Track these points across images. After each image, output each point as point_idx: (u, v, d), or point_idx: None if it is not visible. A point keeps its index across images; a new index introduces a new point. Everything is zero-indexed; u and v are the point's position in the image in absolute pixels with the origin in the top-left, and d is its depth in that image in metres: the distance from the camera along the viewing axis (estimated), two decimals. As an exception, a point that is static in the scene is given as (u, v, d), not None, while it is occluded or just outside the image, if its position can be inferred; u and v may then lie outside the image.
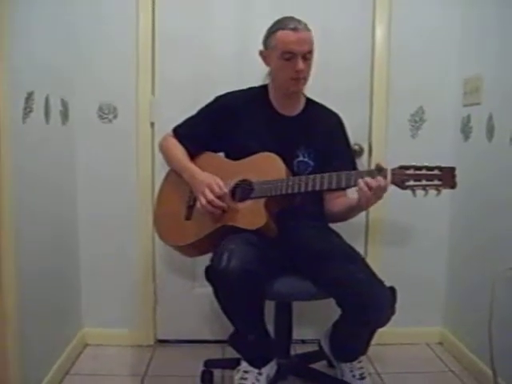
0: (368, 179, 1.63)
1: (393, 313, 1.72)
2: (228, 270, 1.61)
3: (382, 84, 2.43)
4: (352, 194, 1.83)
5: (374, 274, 1.73)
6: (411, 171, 1.62)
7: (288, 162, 1.85)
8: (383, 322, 1.73)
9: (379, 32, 2.41)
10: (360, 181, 1.64)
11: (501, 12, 2.10)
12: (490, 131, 2.12)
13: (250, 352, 1.86)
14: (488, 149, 2.15)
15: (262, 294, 1.75)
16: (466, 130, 2.36)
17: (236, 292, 1.65)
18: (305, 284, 1.81)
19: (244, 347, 1.88)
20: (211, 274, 1.71)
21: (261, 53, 1.95)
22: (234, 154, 1.95)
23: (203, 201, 1.81)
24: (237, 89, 2.04)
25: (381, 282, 1.71)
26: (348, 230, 2.04)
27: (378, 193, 1.63)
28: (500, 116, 2.07)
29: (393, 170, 1.64)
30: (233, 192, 1.86)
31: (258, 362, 1.84)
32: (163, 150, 2.10)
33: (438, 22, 2.44)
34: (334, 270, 1.72)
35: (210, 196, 1.80)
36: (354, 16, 2.42)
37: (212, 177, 1.85)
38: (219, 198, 1.80)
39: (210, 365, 2.18)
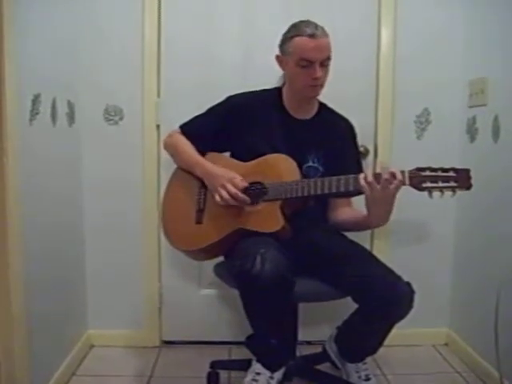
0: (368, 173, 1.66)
1: (411, 306, 1.71)
2: (262, 273, 1.56)
3: (388, 85, 2.43)
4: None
5: (391, 270, 1.73)
6: (427, 173, 1.62)
7: (297, 166, 1.83)
8: (403, 315, 1.71)
9: (384, 34, 2.42)
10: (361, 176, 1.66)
11: (505, 14, 2.10)
12: (496, 132, 2.12)
13: (269, 356, 1.82)
14: (494, 150, 2.15)
15: (293, 298, 1.71)
16: (471, 131, 2.36)
17: (269, 296, 1.60)
18: (322, 285, 1.80)
19: (263, 350, 1.83)
20: (241, 278, 1.64)
21: (277, 57, 1.92)
22: (242, 155, 1.93)
23: (225, 194, 1.77)
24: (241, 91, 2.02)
25: (399, 277, 1.71)
26: (353, 232, 2.03)
27: (384, 188, 1.64)
28: (505, 117, 2.07)
29: (410, 171, 1.63)
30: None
31: (274, 366, 1.81)
32: (170, 146, 2.06)
33: (443, 25, 2.44)
34: (353, 269, 1.72)
35: (233, 190, 1.76)
36: (360, 19, 2.42)
37: (230, 171, 1.83)
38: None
39: (216, 366, 2.17)
